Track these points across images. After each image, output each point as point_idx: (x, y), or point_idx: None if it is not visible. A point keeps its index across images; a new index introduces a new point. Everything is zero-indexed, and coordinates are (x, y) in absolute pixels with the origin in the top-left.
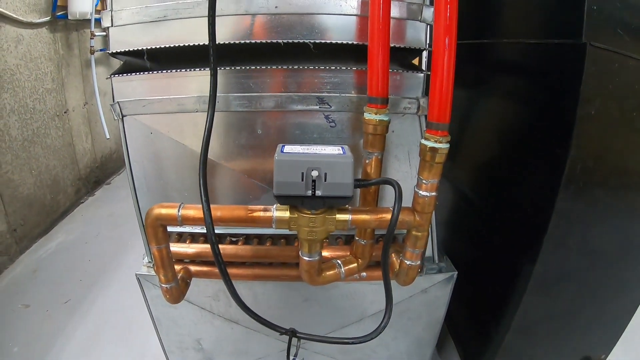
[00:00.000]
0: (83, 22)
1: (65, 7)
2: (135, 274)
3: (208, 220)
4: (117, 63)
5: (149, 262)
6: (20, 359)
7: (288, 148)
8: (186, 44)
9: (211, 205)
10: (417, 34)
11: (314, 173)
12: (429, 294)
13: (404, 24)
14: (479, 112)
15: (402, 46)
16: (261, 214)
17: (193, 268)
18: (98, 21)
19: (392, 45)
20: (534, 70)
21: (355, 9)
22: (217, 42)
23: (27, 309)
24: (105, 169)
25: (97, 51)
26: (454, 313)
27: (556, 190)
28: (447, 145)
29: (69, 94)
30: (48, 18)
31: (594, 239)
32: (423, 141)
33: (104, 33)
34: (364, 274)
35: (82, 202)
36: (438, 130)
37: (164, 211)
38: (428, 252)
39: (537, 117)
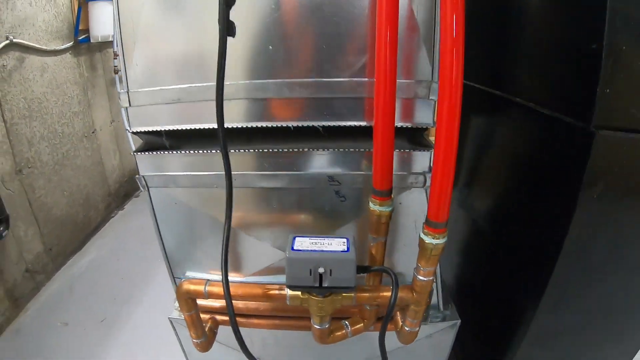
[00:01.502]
0: (106, 42)
1: (87, 31)
2: (168, 318)
3: (228, 302)
4: None
5: (179, 309)
6: None
7: (298, 242)
8: (202, 127)
9: (232, 284)
10: (424, 112)
11: (321, 270)
12: (433, 338)
13: (412, 103)
14: (494, 144)
15: (409, 126)
16: (276, 292)
17: (219, 318)
18: None
19: (399, 125)
20: (543, 138)
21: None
22: (230, 126)
23: (66, 326)
24: (133, 182)
25: (120, 70)
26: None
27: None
28: (444, 240)
29: (96, 114)
30: (71, 43)
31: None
32: (422, 235)
33: None
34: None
35: (113, 217)
36: (436, 229)
37: (192, 287)
38: (434, 301)
39: (543, 180)
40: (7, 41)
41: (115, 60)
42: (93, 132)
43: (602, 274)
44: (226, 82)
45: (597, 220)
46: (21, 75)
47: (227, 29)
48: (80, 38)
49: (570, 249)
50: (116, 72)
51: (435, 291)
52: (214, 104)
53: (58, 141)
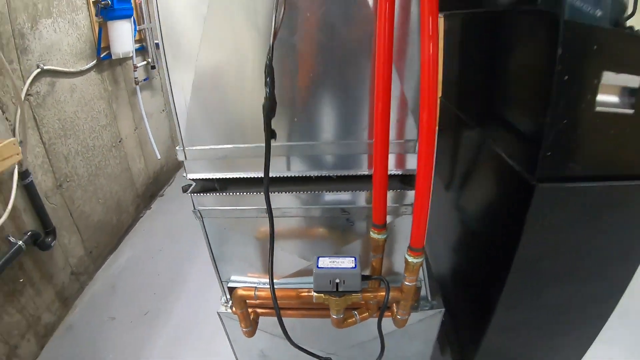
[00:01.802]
0: (125, 57)
1: (107, 48)
2: (217, 312)
3: (275, 304)
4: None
5: (225, 302)
6: (118, 358)
7: (321, 261)
8: (244, 176)
9: (277, 289)
10: (412, 162)
11: (337, 280)
12: (423, 323)
13: (403, 157)
14: (475, 165)
15: (401, 173)
16: (305, 294)
17: (260, 310)
18: (139, 50)
19: (392, 173)
20: (503, 175)
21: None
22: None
23: (113, 320)
24: (157, 183)
25: (140, 82)
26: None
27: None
28: (422, 260)
29: (121, 124)
30: (94, 62)
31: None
32: (406, 256)
33: (144, 63)
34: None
35: (141, 217)
36: (416, 252)
37: (245, 293)
38: (423, 294)
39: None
40: (39, 69)
41: (135, 72)
42: (120, 141)
43: (549, 280)
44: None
45: (541, 243)
46: (54, 99)
47: (270, 135)
48: (102, 55)
49: (519, 264)
50: (137, 83)
51: (423, 286)
52: (254, 160)
53: (90, 154)
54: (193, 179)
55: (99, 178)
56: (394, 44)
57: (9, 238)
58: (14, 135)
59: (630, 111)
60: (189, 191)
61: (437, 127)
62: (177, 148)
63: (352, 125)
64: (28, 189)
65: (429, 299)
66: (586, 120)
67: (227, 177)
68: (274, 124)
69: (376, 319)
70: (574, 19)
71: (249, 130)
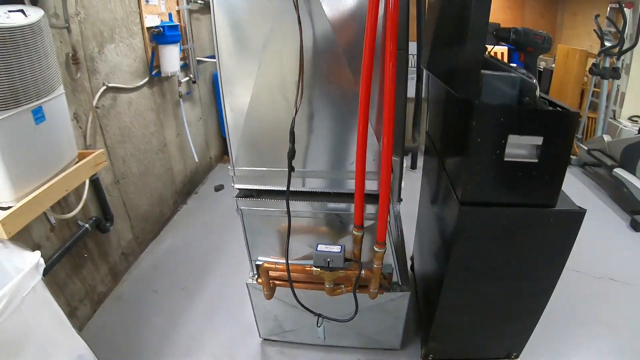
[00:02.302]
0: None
1: (158, 67)
2: (246, 283)
3: (290, 277)
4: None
5: (253, 275)
6: (160, 323)
7: (320, 247)
8: (274, 188)
9: (290, 264)
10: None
11: (328, 260)
12: (395, 301)
13: (372, 182)
14: (440, 184)
15: (372, 193)
16: (309, 268)
17: (277, 282)
18: (183, 67)
19: (367, 192)
20: (448, 195)
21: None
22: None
23: (156, 293)
24: (193, 181)
25: (183, 95)
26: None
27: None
28: (384, 250)
29: (166, 131)
30: (147, 79)
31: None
32: (374, 246)
33: (187, 79)
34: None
35: (179, 210)
36: (380, 244)
37: (268, 266)
38: (395, 279)
39: (444, 222)
40: (104, 87)
41: (179, 87)
42: (165, 146)
43: (481, 277)
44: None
45: (467, 249)
46: (115, 110)
47: (290, 169)
48: (153, 73)
49: (453, 263)
50: (180, 96)
51: (395, 273)
52: (281, 179)
53: (142, 156)
54: (238, 188)
55: (147, 176)
56: (369, 118)
57: (78, 222)
58: (85, 141)
59: (535, 160)
60: (235, 195)
61: (398, 161)
62: (228, 167)
63: (344, 160)
64: (95, 184)
65: (400, 283)
66: (497, 166)
67: (261, 188)
68: (297, 157)
69: (359, 294)
70: (486, 101)
71: (278, 159)
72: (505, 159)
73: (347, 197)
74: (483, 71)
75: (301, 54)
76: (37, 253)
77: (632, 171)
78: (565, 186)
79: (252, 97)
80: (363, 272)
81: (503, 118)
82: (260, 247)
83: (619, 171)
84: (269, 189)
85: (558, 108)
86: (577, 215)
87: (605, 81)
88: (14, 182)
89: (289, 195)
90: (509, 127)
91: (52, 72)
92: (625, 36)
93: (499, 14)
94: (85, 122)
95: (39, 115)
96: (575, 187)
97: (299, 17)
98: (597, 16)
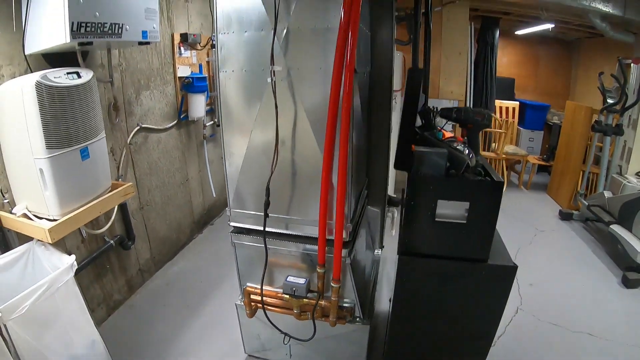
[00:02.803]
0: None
1: (186, 111)
2: (235, 304)
3: (262, 300)
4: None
5: (241, 299)
6: (163, 332)
7: (289, 279)
8: (259, 228)
9: (265, 290)
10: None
11: (294, 289)
12: (357, 332)
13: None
14: None
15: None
16: (282, 296)
17: (258, 304)
18: (209, 112)
19: (329, 238)
20: None
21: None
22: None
23: (164, 307)
24: (210, 214)
25: (207, 137)
26: None
27: None
28: (338, 285)
29: (189, 168)
30: (175, 122)
31: None
32: (331, 282)
33: (212, 122)
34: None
35: (194, 238)
36: (335, 281)
37: (250, 289)
38: (358, 314)
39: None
40: (138, 127)
41: (204, 130)
42: (187, 181)
43: (423, 317)
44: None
45: (407, 293)
46: (146, 147)
47: (266, 216)
48: (181, 117)
49: (396, 302)
50: (204, 137)
51: (357, 307)
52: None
53: (165, 188)
54: (233, 225)
55: (168, 206)
56: (330, 176)
57: (105, 238)
58: (117, 172)
59: (464, 221)
60: (230, 231)
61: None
62: (226, 209)
63: (314, 211)
64: (122, 208)
65: (361, 317)
66: (430, 225)
67: (250, 227)
68: (279, 206)
69: (323, 322)
70: (419, 172)
71: (261, 206)
72: (437, 219)
73: (314, 240)
74: (417, 148)
75: (277, 129)
76: (73, 256)
77: (629, 227)
78: (563, 241)
79: (245, 157)
80: (323, 302)
81: (432, 186)
82: (249, 275)
83: (615, 227)
84: (256, 228)
85: (487, 177)
86: (509, 270)
87: (608, 137)
88: (61, 202)
89: (265, 234)
90: (438, 194)
91: (97, 120)
92: (629, 92)
93: (514, 69)
94: (119, 156)
95: (85, 154)
96: (574, 243)
97: (275, 102)
98: (600, 74)
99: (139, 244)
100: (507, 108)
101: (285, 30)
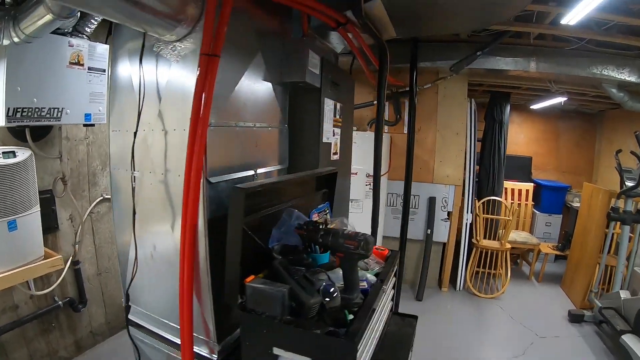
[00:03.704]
0: None
1: None
2: None
3: None
4: None
5: None
6: None
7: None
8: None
9: None
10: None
11: None
12: None
13: None
14: None
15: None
16: None
17: None
18: None
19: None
20: None
21: None
22: None
23: None
24: None
25: None
26: None
27: None
28: None
29: None
30: None
31: None
32: None
33: None
34: None
35: None
36: None
37: None
38: None
39: None
40: (101, 197)
41: None
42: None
43: None
44: None
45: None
46: (108, 217)
47: (127, 312)
48: None
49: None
50: None
51: None
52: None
53: None
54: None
55: None
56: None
57: (55, 297)
58: (75, 238)
59: None
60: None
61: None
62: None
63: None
64: (76, 272)
65: None
66: None
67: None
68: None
69: None
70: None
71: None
72: None
73: None
74: (251, 282)
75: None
76: None
77: None
78: (565, 353)
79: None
80: None
81: (266, 330)
82: None
83: (628, 338)
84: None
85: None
86: None
87: (627, 227)
88: None
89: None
90: (273, 341)
91: (30, 195)
92: None
93: (534, 146)
94: (78, 224)
95: (12, 225)
96: (582, 352)
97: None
98: (618, 151)
99: (93, 308)
100: (519, 190)
101: None
